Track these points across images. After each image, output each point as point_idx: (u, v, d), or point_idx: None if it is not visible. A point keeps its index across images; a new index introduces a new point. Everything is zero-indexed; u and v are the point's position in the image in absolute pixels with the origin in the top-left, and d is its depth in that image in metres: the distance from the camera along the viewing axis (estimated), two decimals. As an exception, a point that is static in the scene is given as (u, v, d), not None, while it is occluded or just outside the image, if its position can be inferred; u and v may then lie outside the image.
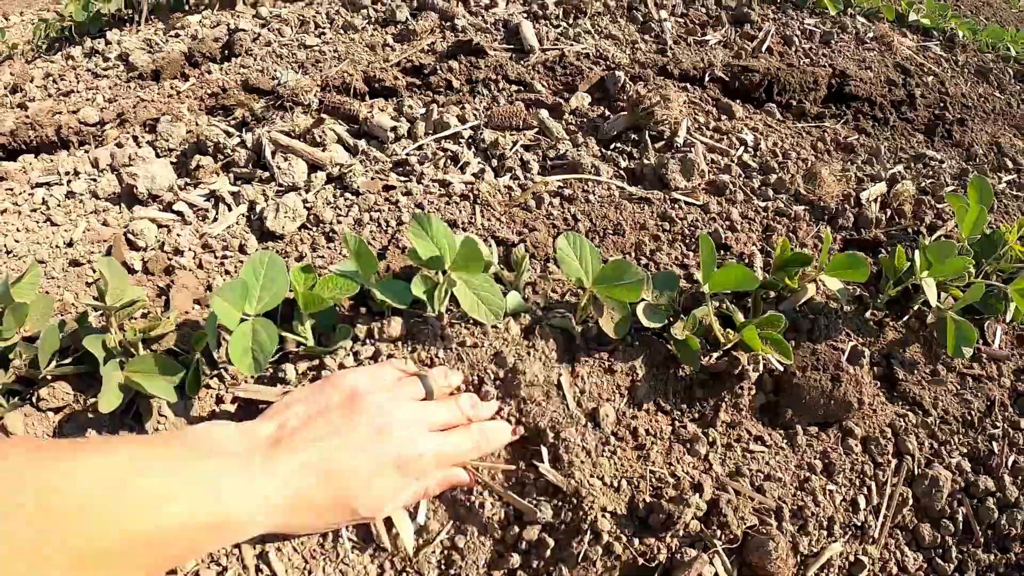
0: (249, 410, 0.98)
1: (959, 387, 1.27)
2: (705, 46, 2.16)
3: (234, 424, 0.80)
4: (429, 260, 1.03)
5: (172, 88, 1.88)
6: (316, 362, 1.04)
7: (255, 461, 0.73)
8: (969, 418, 1.22)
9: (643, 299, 1.10)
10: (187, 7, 2.45)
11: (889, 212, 1.60)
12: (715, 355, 1.10)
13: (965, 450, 1.18)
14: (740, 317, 1.15)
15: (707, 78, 1.94)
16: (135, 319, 1.07)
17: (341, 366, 1.03)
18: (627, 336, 1.11)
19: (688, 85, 1.92)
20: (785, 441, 1.09)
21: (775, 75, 1.97)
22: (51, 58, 2.18)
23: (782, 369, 1.12)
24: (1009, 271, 1.44)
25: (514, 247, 1.22)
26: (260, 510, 0.70)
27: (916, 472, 1.12)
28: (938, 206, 1.66)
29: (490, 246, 1.24)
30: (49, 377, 0.96)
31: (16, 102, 1.89)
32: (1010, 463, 1.18)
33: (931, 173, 1.85)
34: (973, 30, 2.99)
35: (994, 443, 1.20)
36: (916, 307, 1.34)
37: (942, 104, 2.24)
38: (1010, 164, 2.06)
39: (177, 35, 2.23)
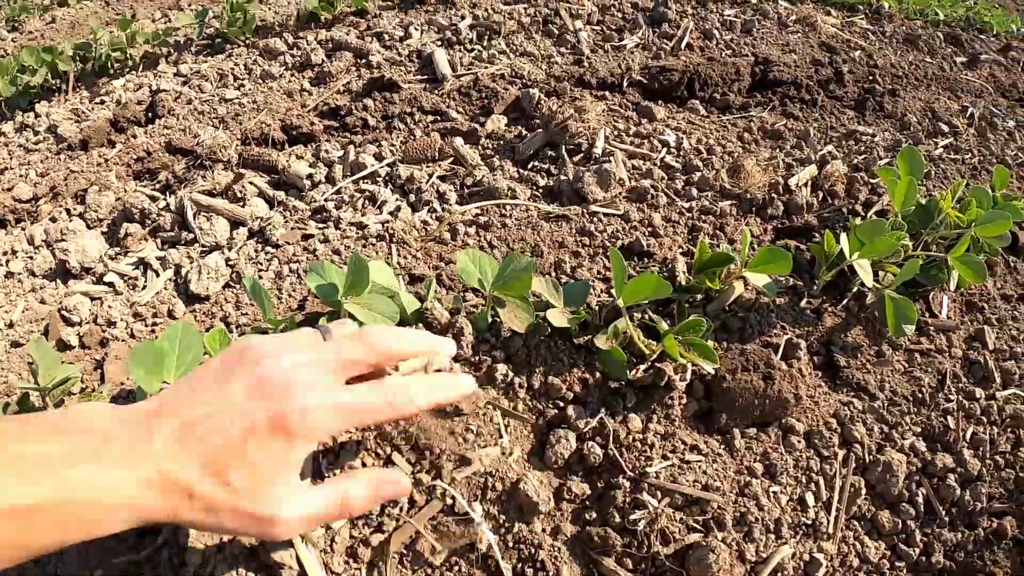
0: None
1: (907, 365, 1.24)
2: (623, 51, 2.14)
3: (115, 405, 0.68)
4: (323, 291, 1.02)
5: (100, 156, 1.87)
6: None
7: (120, 437, 0.61)
8: (920, 396, 1.19)
9: (553, 306, 1.08)
10: (112, 71, 2.44)
11: (821, 194, 1.58)
12: (642, 367, 1.06)
13: (919, 429, 1.14)
14: (664, 326, 1.11)
15: (626, 83, 1.92)
16: (72, 395, 1.09)
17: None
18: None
19: (607, 93, 1.89)
20: (723, 447, 1.05)
21: (695, 71, 1.95)
22: None
23: (712, 373, 1.08)
24: (950, 238, 1.42)
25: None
26: (117, 494, 0.59)
27: (868, 460, 1.08)
28: (872, 181, 1.63)
29: (399, 278, 1.21)
30: None
31: None
32: (968, 436, 1.14)
33: (863, 149, 1.83)
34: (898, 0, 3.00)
35: (949, 417, 1.16)
36: (855, 289, 1.31)
37: (871, 77, 2.23)
38: (946, 128, 2.05)
39: (103, 101, 2.21)
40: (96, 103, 2.22)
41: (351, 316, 1.00)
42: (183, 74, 2.28)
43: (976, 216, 1.39)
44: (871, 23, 2.76)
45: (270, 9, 2.75)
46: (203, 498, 0.62)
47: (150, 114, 2.07)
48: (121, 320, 1.30)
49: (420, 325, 1.08)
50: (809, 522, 1.00)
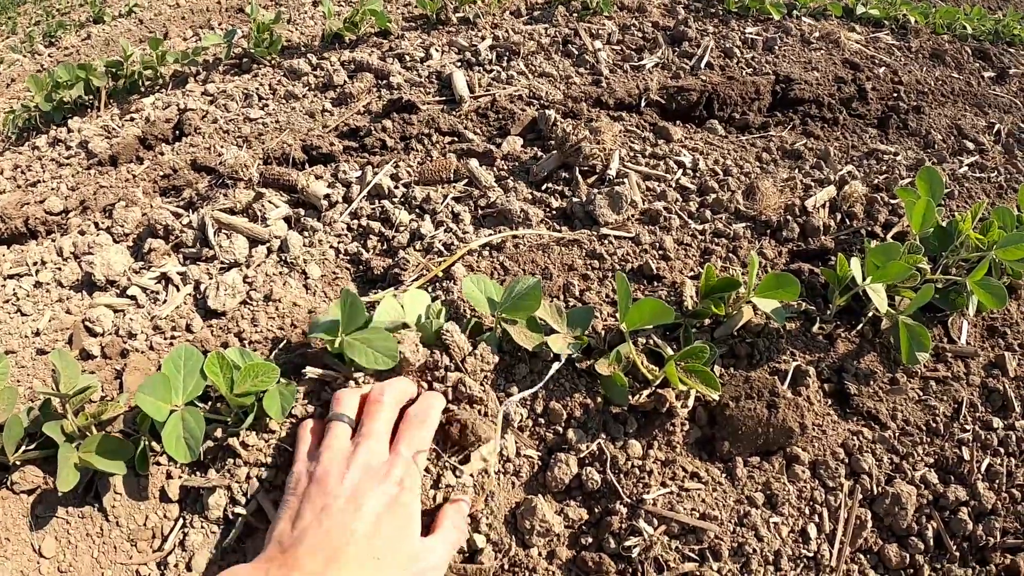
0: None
1: (921, 393, 1.22)
2: (642, 71, 2.14)
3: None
4: (324, 328, 1.06)
5: (128, 172, 1.92)
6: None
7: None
8: (934, 425, 1.17)
9: (555, 331, 1.09)
10: (142, 89, 2.50)
11: (840, 216, 1.56)
12: (644, 393, 1.05)
13: (931, 460, 1.12)
14: (669, 351, 1.11)
15: (643, 104, 1.92)
16: (91, 403, 1.11)
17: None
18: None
19: (624, 113, 1.89)
20: (724, 475, 1.04)
21: (714, 91, 1.94)
22: (19, 149, 2.23)
23: (715, 400, 1.07)
24: (971, 260, 1.39)
25: (433, 302, 1.19)
26: None
27: (876, 491, 1.06)
28: (892, 202, 1.61)
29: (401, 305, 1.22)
30: (18, 463, 1.01)
31: None
32: (983, 468, 1.12)
33: (885, 168, 1.80)
34: (925, 14, 2.96)
35: (964, 448, 1.14)
36: (870, 314, 1.29)
37: (895, 94, 2.20)
38: (971, 146, 2.02)
39: (132, 119, 2.26)
40: (126, 120, 2.28)
41: (349, 356, 1.03)
42: (210, 93, 2.32)
43: (998, 238, 1.36)
44: (897, 38, 2.73)
45: (296, 29, 2.80)
46: None
47: (177, 132, 2.12)
48: (141, 332, 1.32)
49: (439, 352, 1.09)
50: (811, 555, 0.98)
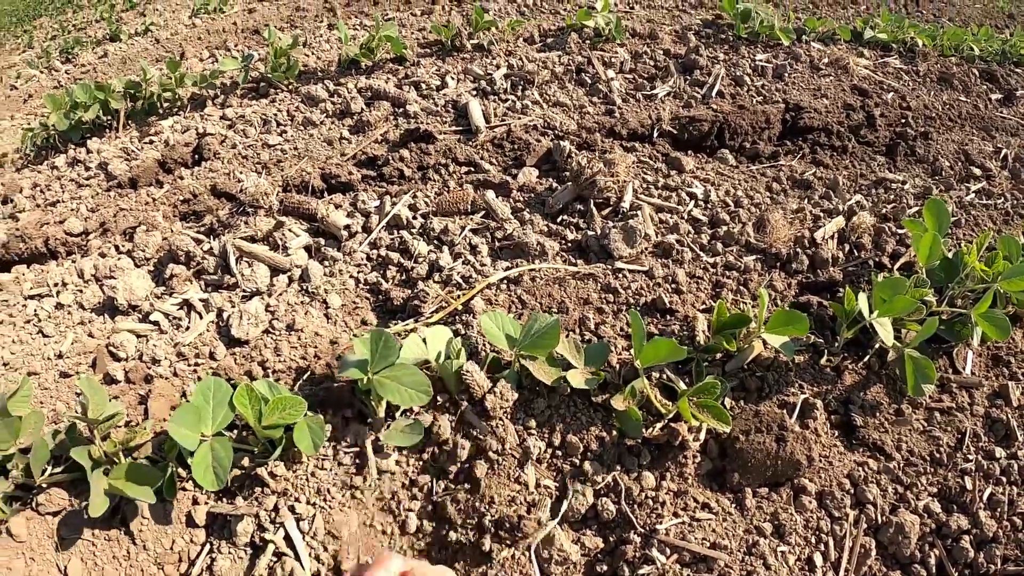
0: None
1: (926, 424, 1.25)
2: (654, 100, 2.19)
3: None
4: (355, 367, 1.09)
5: (148, 196, 1.96)
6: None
7: None
8: (938, 455, 1.20)
9: (573, 366, 1.14)
10: (160, 110, 2.54)
11: (848, 247, 1.60)
12: (657, 426, 1.10)
13: (935, 490, 1.16)
14: (682, 385, 1.15)
15: (655, 134, 1.97)
16: (119, 428, 1.15)
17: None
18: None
19: (636, 144, 1.94)
20: (734, 505, 1.08)
21: (724, 120, 1.99)
22: (38, 167, 2.26)
23: (727, 433, 1.11)
24: (977, 291, 1.43)
25: (455, 337, 1.23)
26: None
27: (880, 520, 1.10)
28: (899, 232, 1.65)
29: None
30: (44, 485, 1.05)
31: (7, 213, 1.97)
32: (985, 497, 1.15)
33: (893, 197, 1.84)
34: (932, 36, 2.99)
35: (967, 478, 1.17)
36: (877, 346, 1.33)
37: (903, 120, 2.24)
38: (978, 172, 2.05)
39: (151, 141, 2.30)
40: (145, 142, 2.31)
41: (380, 394, 1.07)
42: (228, 118, 2.37)
43: (1002, 269, 1.40)
44: (905, 62, 2.76)
45: (312, 54, 2.85)
46: None
47: (196, 156, 2.15)
48: (165, 358, 1.36)
49: (457, 394, 1.13)
50: (818, 583, 1.02)
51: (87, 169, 2.19)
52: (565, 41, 2.60)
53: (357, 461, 1.12)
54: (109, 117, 2.52)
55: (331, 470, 1.11)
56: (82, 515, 1.03)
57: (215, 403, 1.08)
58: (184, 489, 1.08)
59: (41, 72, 3.63)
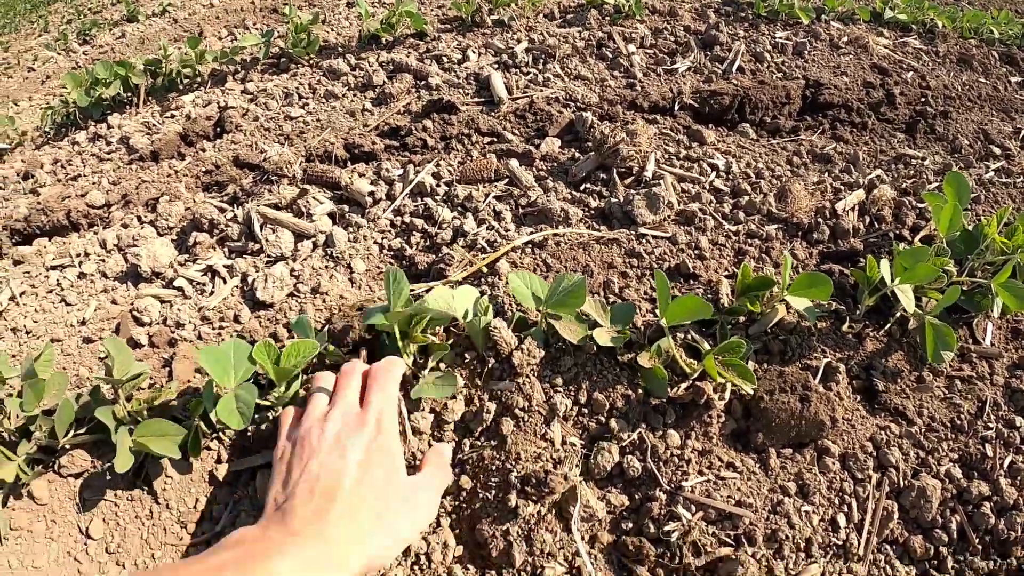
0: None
1: (947, 391, 1.26)
2: (675, 75, 2.19)
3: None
4: (380, 311, 1.13)
5: (170, 168, 1.97)
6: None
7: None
8: (959, 422, 1.21)
9: (600, 325, 1.15)
10: (181, 87, 2.55)
11: (868, 219, 1.60)
12: (682, 386, 1.11)
13: (956, 456, 1.17)
14: (706, 346, 1.16)
15: (677, 107, 1.97)
16: (141, 389, 1.17)
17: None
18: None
19: (658, 116, 1.94)
20: (758, 465, 1.09)
21: (745, 95, 1.99)
22: (59, 144, 2.28)
23: (751, 394, 1.12)
24: (997, 263, 1.43)
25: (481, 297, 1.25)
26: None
27: (902, 484, 1.11)
28: (920, 206, 1.65)
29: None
30: (67, 446, 1.06)
31: (28, 188, 1.99)
32: (1006, 465, 1.16)
33: (913, 173, 1.84)
34: (952, 18, 2.98)
35: (987, 445, 1.18)
36: (898, 314, 1.34)
37: (923, 99, 2.24)
38: (997, 151, 2.05)
39: (172, 115, 2.32)
40: (166, 117, 2.33)
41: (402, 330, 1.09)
42: (250, 92, 2.38)
43: (1022, 242, 1.40)
44: (924, 43, 2.76)
45: (332, 30, 2.86)
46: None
47: (218, 129, 2.17)
48: (189, 323, 1.37)
49: (484, 351, 1.15)
50: (840, 543, 1.03)
51: (108, 144, 2.20)
52: (585, 17, 2.61)
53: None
54: (129, 93, 2.54)
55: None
56: (104, 476, 1.04)
57: (236, 360, 1.09)
58: (208, 448, 1.09)
59: (59, 54, 3.64)
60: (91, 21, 3.91)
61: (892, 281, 1.26)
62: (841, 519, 1.05)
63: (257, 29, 3.16)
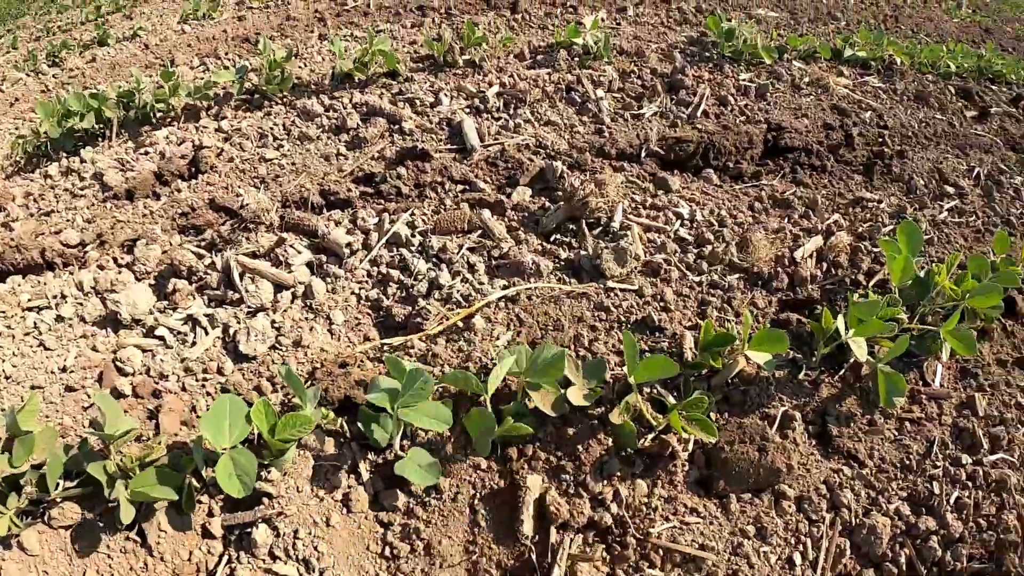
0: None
1: (897, 433, 1.34)
2: (642, 119, 2.27)
3: None
4: (385, 391, 1.17)
5: (146, 208, 1.97)
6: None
7: None
8: (908, 462, 1.29)
9: (572, 383, 1.22)
10: (154, 120, 2.53)
11: (826, 265, 1.69)
12: (649, 437, 1.18)
13: (905, 494, 1.24)
14: (671, 399, 1.24)
15: (643, 154, 2.05)
16: (131, 443, 1.20)
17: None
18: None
19: (625, 164, 2.02)
20: (720, 510, 1.17)
21: (710, 141, 2.07)
22: (30, 176, 2.25)
23: (713, 443, 1.20)
24: (947, 308, 1.51)
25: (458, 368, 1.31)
26: None
27: (854, 523, 1.19)
28: (874, 250, 1.74)
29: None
30: (58, 499, 1.08)
31: (0, 221, 1.96)
32: (952, 500, 1.24)
33: (869, 216, 1.93)
34: (910, 54, 3.09)
35: (935, 483, 1.26)
36: (852, 360, 1.41)
37: (880, 139, 2.33)
38: (951, 190, 2.13)
39: (147, 152, 2.31)
40: (140, 153, 2.33)
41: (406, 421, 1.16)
42: (224, 130, 2.39)
43: (971, 287, 1.49)
44: (883, 80, 2.86)
45: (306, 66, 2.88)
46: None
47: (193, 169, 2.18)
48: (172, 374, 1.39)
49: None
50: (796, 581, 1.11)
51: (81, 179, 2.19)
52: (555, 58, 2.68)
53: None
54: (102, 125, 2.52)
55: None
56: (96, 528, 1.06)
57: (232, 420, 1.13)
58: (199, 502, 1.12)
59: (28, 76, 3.58)
60: (61, 42, 3.84)
61: (846, 333, 1.34)
62: (797, 557, 1.13)
63: (229, 60, 3.17)
